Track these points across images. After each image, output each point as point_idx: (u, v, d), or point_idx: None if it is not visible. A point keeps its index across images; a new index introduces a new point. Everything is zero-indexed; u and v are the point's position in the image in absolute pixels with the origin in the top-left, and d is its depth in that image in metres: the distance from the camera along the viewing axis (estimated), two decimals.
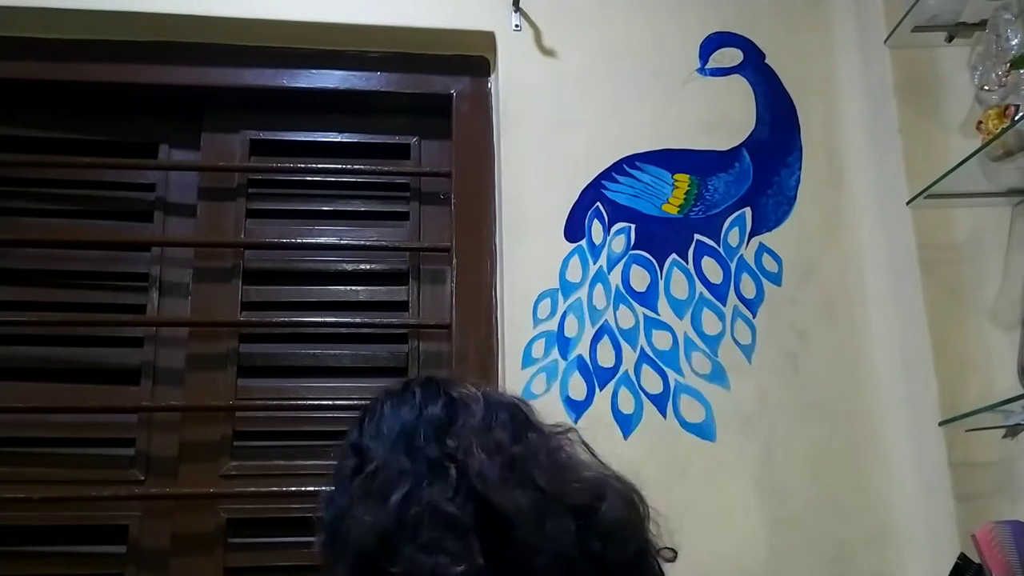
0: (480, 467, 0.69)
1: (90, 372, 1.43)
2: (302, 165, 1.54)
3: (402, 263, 1.53)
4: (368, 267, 1.52)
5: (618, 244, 1.47)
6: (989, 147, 1.30)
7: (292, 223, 1.54)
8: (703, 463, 1.37)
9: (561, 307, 1.42)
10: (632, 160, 1.51)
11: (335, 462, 0.81)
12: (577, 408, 1.38)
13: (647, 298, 1.45)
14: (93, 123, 1.53)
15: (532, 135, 1.50)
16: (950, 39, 1.46)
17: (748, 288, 1.47)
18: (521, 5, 1.53)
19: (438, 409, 0.75)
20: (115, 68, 1.50)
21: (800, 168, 1.54)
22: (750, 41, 1.59)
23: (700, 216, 1.50)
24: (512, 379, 1.37)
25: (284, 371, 1.46)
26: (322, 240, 1.52)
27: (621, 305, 1.44)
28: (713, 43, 1.58)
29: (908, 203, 1.40)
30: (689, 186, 1.51)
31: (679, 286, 1.46)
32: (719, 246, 1.49)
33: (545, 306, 1.42)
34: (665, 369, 1.41)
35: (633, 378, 1.40)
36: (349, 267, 1.52)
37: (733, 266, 1.48)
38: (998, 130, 1.29)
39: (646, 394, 1.40)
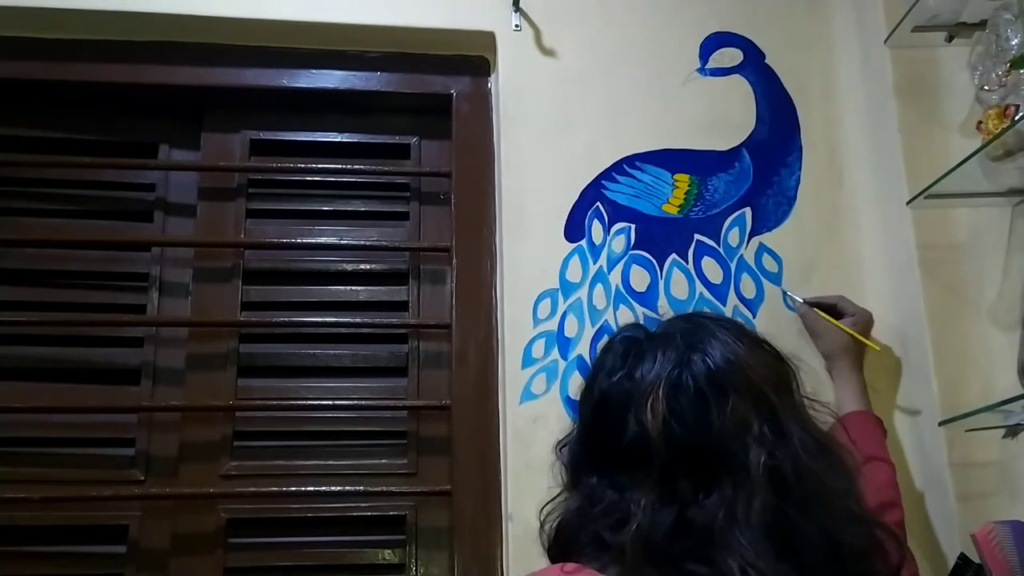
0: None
1: (90, 372, 1.43)
2: (302, 165, 1.54)
3: (402, 263, 1.53)
4: (368, 267, 1.53)
5: (618, 244, 1.47)
6: (989, 147, 1.30)
7: (292, 223, 1.54)
8: None
9: (561, 307, 1.42)
10: (632, 160, 1.51)
11: (616, 342, 0.85)
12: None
13: (647, 298, 1.45)
14: (93, 123, 1.53)
15: (532, 135, 1.50)
16: (950, 39, 1.46)
17: (748, 288, 1.47)
18: (521, 5, 1.53)
19: None
20: (115, 68, 1.50)
21: (800, 168, 1.54)
22: (750, 41, 1.59)
23: (700, 216, 1.50)
24: (512, 379, 1.37)
25: (284, 371, 1.46)
26: (322, 240, 1.52)
27: (621, 305, 1.44)
28: (713, 43, 1.58)
29: (908, 203, 1.40)
30: (689, 186, 1.51)
31: (679, 286, 1.46)
32: (719, 246, 1.49)
33: (545, 306, 1.42)
34: None
35: None
36: (349, 267, 1.52)
37: (733, 266, 1.48)
38: (998, 130, 1.29)
39: None
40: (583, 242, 1.46)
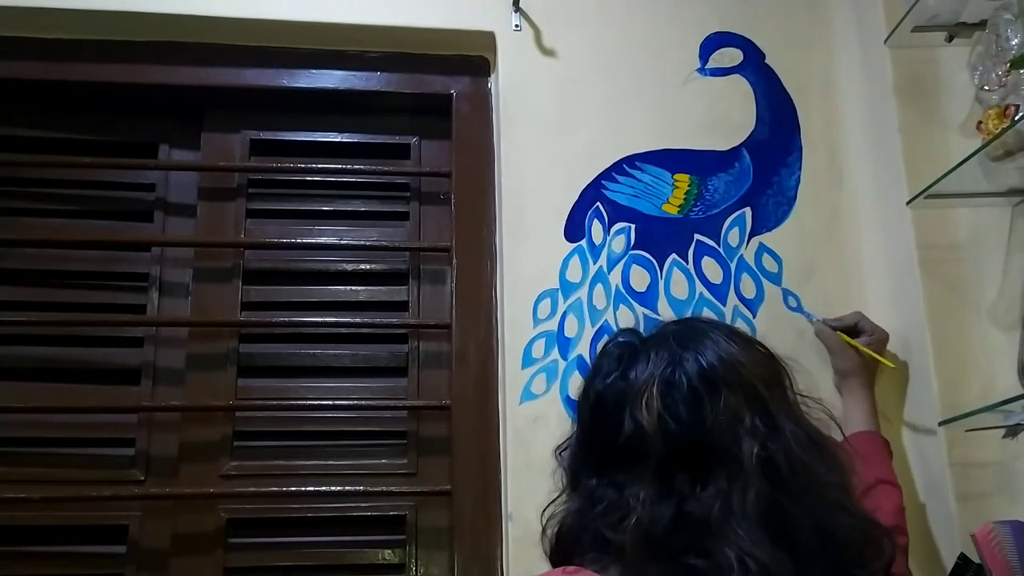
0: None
1: (90, 372, 1.43)
2: (302, 165, 1.54)
3: (402, 263, 1.53)
4: (368, 267, 1.53)
5: (618, 244, 1.47)
6: (989, 147, 1.30)
7: (292, 223, 1.54)
8: None
9: (561, 307, 1.42)
10: (632, 160, 1.51)
11: (611, 346, 0.88)
12: None
13: (647, 298, 1.45)
14: (93, 123, 1.53)
15: (532, 135, 1.50)
16: (950, 39, 1.46)
17: (748, 288, 1.47)
18: (521, 5, 1.53)
19: None
20: (115, 68, 1.50)
21: (800, 168, 1.54)
22: (750, 41, 1.59)
23: (700, 216, 1.50)
24: (512, 379, 1.37)
25: (284, 371, 1.46)
26: (322, 240, 1.52)
27: (621, 305, 1.44)
28: (713, 43, 1.58)
29: (908, 203, 1.40)
30: (689, 186, 1.51)
31: (679, 286, 1.46)
32: (719, 246, 1.49)
33: (545, 306, 1.42)
34: None
35: None
36: (349, 267, 1.52)
37: (733, 266, 1.48)
38: (998, 130, 1.29)
39: None
40: (583, 242, 1.46)
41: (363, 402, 1.45)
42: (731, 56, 1.58)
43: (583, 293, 1.44)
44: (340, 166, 1.55)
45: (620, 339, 0.88)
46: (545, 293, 1.43)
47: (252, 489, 1.38)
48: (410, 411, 1.45)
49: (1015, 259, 1.37)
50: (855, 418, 1.32)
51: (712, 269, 1.47)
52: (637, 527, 0.74)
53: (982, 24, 1.41)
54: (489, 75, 1.57)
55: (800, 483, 0.75)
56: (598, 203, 1.48)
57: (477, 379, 1.41)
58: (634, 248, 1.47)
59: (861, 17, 1.57)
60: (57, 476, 1.36)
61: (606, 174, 1.50)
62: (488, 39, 1.54)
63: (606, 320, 1.43)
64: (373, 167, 1.56)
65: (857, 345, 1.36)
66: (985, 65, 1.38)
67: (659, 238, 1.48)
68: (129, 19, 1.47)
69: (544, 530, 0.85)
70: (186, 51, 1.51)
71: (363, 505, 1.39)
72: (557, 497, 0.87)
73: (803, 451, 0.77)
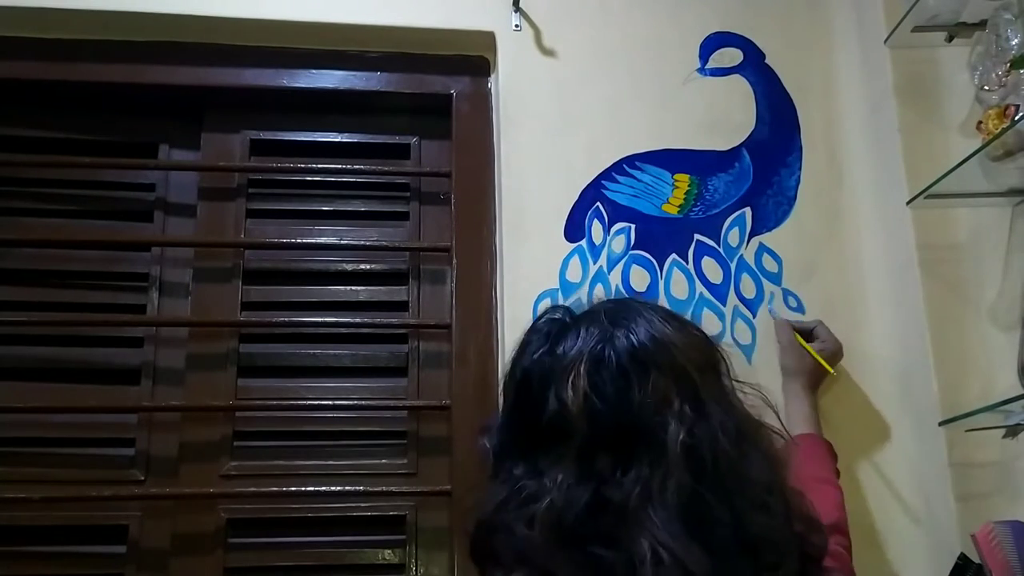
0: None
1: (90, 372, 1.43)
2: (302, 165, 1.54)
3: (402, 263, 1.53)
4: (368, 267, 1.53)
5: (618, 244, 1.47)
6: (989, 147, 1.30)
7: (292, 223, 1.54)
8: None
9: None
10: (632, 160, 1.51)
11: (541, 322, 0.84)
12: None
13: (647, 298, 1.45)
14: (93, 123, 1.53)
15: (532, 135, 1.50)
16: (950, 39, 1.46)
17: (748, 288, 1.47)
18: (521, 5, 1.53)
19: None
20: (115, 68, 1.50)
21: (800, 168, 1.54)
22: (750, 41, 1.59)
23: (700, 216, 1.50)
24: None
25: (284, 371, 1.46)
26: (322, 240, 1.52)
27: None
28: (713, 43, 1.58)
29: (908, 203, 1.40)
30: (689, 186, 1.51)
31: (679, 286, 1.46)
32: (719, 246, 1.49)
33: (545, 306, 1.41)
34: None
35: None
36: (349, 267, 1.52)
37: (733, 266, 1.48)
38: (998, 130, 1.29)
39: None
40: (583, 242, 1.46)
41: (363, 402, 1.45)
42: (731, 56, 1.58)
43: (583, 293, 1.43)
44: (340, 166, 1.55)
45: (550, 315, 0.84)
46: (545, 293, 1.42)
47: (252, 489, 1.38)
48: (410, 411, 1.45)
49: (1015, 259, 1.37)
50: (796, 421, 1.30)
51: (712, 269, 1.47)
52: (549, 510, 0.70)
53: (982, 24, 1.41)
54: (489, 75, 1.57)
55: (722, 476, 0.71)
56: (598, 203, 1.48)
57: (477, 379, 1.41)
58: (634, 248, 1.47)
59: (861, 17, 1.57)
60: (57, 476, 1.36)
61: (606, 174, 1.50)
62: (488, 39, 1.54)
63: None
64: (373, 167, 1.56)
65: (808, 347, 1.36)
66: (985, 65, 1.38)
67: (659, 238, 1.48)
68: (129, 19, 1.47)
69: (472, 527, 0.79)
70: (186, 51, 1.51)
71: (363, 505, 1.39)
72: (479, 487, 0.81)
73: (729, 442, 0.72)
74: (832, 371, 1.36)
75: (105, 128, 1.54)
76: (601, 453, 0.72)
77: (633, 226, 1.48)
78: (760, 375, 1.42)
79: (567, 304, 0.85)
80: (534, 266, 1.44)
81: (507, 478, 0.76)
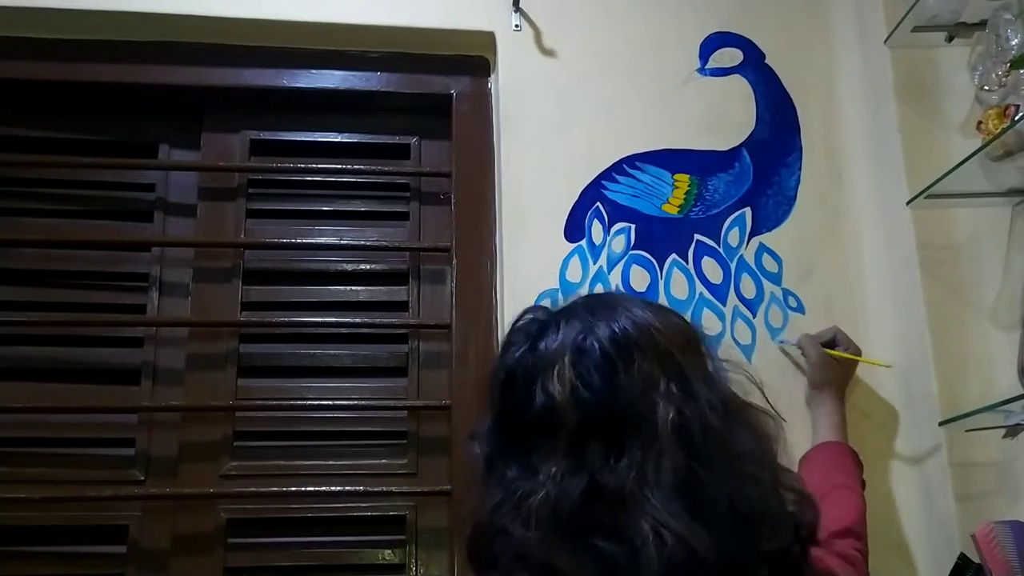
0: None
1: (90, 372, 1.43)
2: (302, 165, 1.54)
3: (402, 263, 1.53)
4: (368, 267, 1.52)
5: (618, 244, 1.47)
6: (989, 147, 1.30)
7: (292, 223, 1.54)
8: None
9: None
10: (632, 160, 1.51)
11: (521, 323, 0.84)
12: None
13: (647, 298, 1.44)
14: (93, 123, 1.53)
15: (532, 135, 1.50)
16: (950, 39, 1.46)
17: (748, 288, 1.47)
18: (521, 5, 1.53)
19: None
20: (115, 68, 1.50)
21: (800, 168, 1.54)
22: (750, 41, 1.59)
23: (700, 216, 1.50)
24: None
25: (284, 371, 1.46)
26: (322, 240, 1.52)
27: None
28: (713, 43, 1.58)
29: (908, 203, 1.40)
30: (689, 186, 1.51)
31: (679, 286, 1.46)
32: (719, 246, 1.49)
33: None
34: None
35: None
36: (349, 267, 1.52)
37: (733, 266, 1.48)
38: (998, 130, 1.29)
39: None
40: (583, 242, 1.46)
41: (363, 402, 1.45)
42: (731, 56, 1.58)
43: (583, 293, 1.43)
44: (340, 166, 1.55)
45: (529, 314, 0.84)
46: (545, 293, 1.42)
47: (252, 489, 1.38)
48: (410, 411, 1.45)
49: (1015, 259, 1.37)
50: (824, 429, 1.31)
51: (712, 269, 1.47)
52: (544, 504, 0.69)
53: (982, 24, 1.41)
54: (489, 75, 1.57)
55: (712, 451, 0.71)
56: (598, 203, 1.48)
57: (477, 379, 1.41)
58: (634, 248, 1.47)
59: (861, 17, 1.57)
60: (57, 476, 1.36)
61: (606, 174, 1.50)
62: (488, 39, 1.54)
63: None
64: (373, 167, 1.56)
65: (844, 355, 1.36)
66: (985, 65, 1.38)
67: (659, 238, 1.48)
68: (129, 19, 1.47)
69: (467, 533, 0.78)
70: (186, 51, 1.51)
71: (363, 505, 1.39)
72: (473, 493, 0.80)
73: (718, 418, 0.73)
74: (889, 364, 1.38)
75: (105, 128, 1.54)
76: (592, 442, 0.71)
77: (633, 226, 1.48)
78: (760, 375, 1.42)
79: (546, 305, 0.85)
80: (534, 266, 1.44)
81: (500, 481, 0.75)
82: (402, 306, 1.51)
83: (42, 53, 1.48)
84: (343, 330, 1.48)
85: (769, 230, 1.50)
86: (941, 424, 1.30)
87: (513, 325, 0.84)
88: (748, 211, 1.51)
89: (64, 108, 1.53)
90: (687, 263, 1.47)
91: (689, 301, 1.45)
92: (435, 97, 1.56)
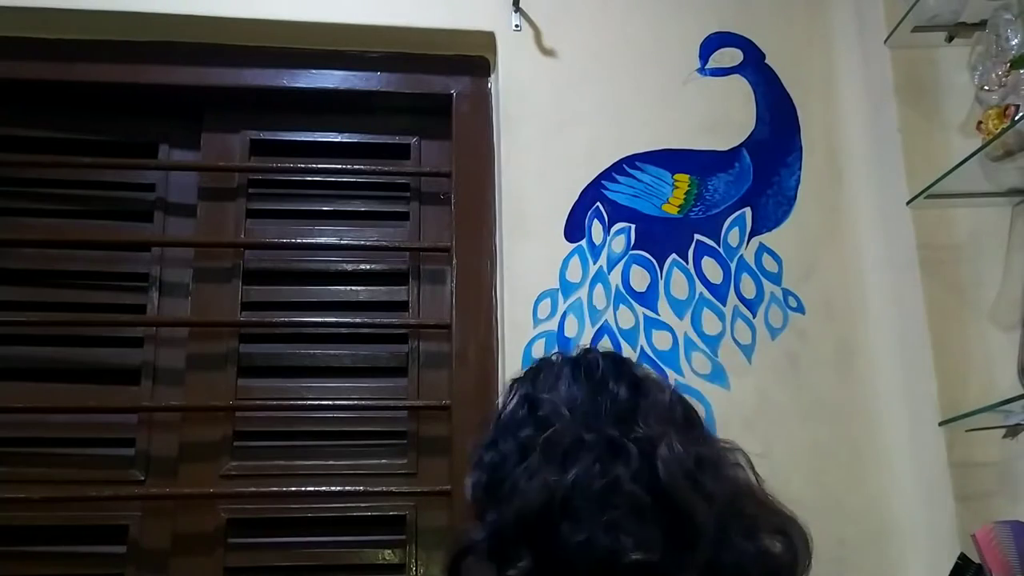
0: (670, 458, 0.66)
1: (90, 372, 1.43)
2: (302, 165, 1.54)
3: (402, 263, 1.53)
4: (368, 267, 1.52)
5: (618, 244, 1.47)
6: (989, 147, 1.30)
7: (292, 223, 1.54)
8: None
9: (561, 307, 1.42)
10: (632, 160, 1.51)
11: (500, 406, 0.76)
12: None
13: (647, 298, 1.45)
14: (93, 123, 1.53)
15: (532, 135, 1.50)
16: (950, 39, 1.46)
17: (748, 288, 1.47)
18: (521, 5, 1.53)
19: (624, 389, 0.71)
20: (115, 68, 1.50)
21: (800, 168, 1.54)
22: (750, 41, 1.59)
23: (700, 216, 1.50)
24: None
25: (284, 371, 1.46)
26: (322, 240, 1.52)
27: (621, 305, 1.44)
28: (713, 43, 1.58)
29: (908, 203, 1.40)
30: (689, 186, 1.51)
31: (679, 286, 1.46)
32: (719, 246, 1.49)
33: (545, 306, 1.42)
34: (665, 369, 1.41)
35: None
36: (349, 267, 1.52)
37: (733, 266, 1.48)
38: (998, 130, 1.29)
39: None
40: (583, 242, 1.46)
41: (363, 402, 1.45)
42: (731, 56, 1.58)
43: (583, 293, 1.44)
44: (340, 166, 1.55)
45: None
46: (545, 293, 1.43)
47: (252, 489, 1.38)
48: (410, 411, 1.45)
49: (1015, 259, 1.37)
50: None
51: (712, 269, 1.47)
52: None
53: (982, 24, 1.41)
54: (489, 75, 1.57)
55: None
56: (598, 203, 1.48)
57: (477, 379, 1.41)
58: (634, 248, 1.47)
59: (861, 17, 1.57)
60: (57, 476, 1.36)
61: (606, 174, 1.50)
62: (488, 39, 1.54)
63: (606, 320, 1.43)
64: (373, 167, 1.56)
65: None
66: (985, 65, 1.38)
67: (659, 238, 1.48)
68: (129, 19, 1.47)
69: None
70: (186, 51, 1.51)
71: (363, 505, 1.39)
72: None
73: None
74: None
75: (105, 128, 1.54)
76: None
77: (633, 226, 1.48)
78: (760, 375, 1.43)
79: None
80: (534, 266, 1.44)
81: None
82: (402, 306, 1.51)
83: (42, 53, 1.48)
84: (343, 330, 1.48)
85: (769, 230, 1.50)
86: (941, 424, 1.30)
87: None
88: (748, 211, 1.51)
89: (64, 108, 1.53)
90: (687, 263, 1.47)
91: (689, 301, 1.45)
92: (435, 97, 1.56)
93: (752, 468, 0.73)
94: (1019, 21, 1.33)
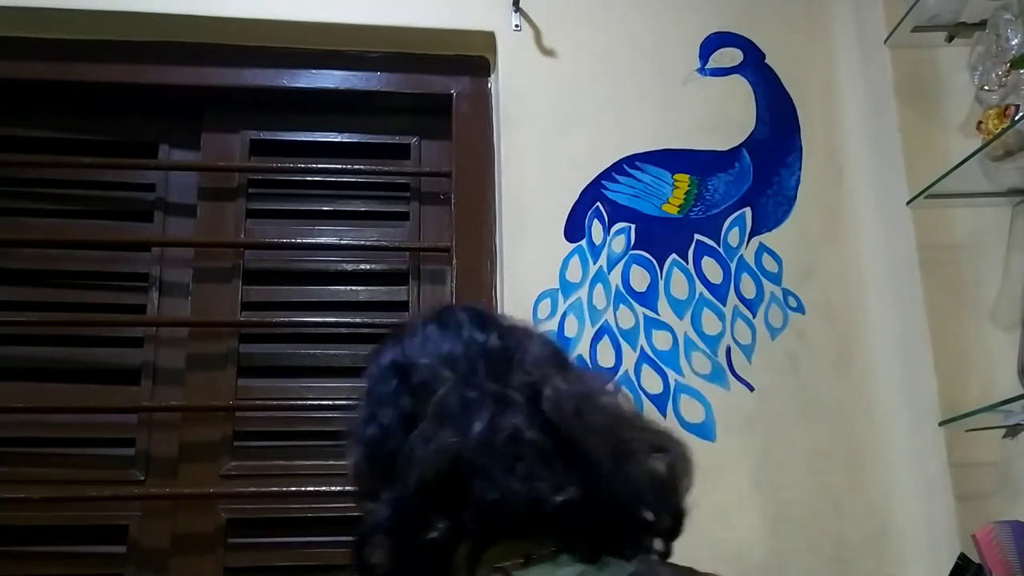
0: (556, 399, 0.67)
1: (90, 372, 1.43)
2: (302, 165, 1.54)
3: (402, 263, 1.53)
4: (368, 267, 1.52)
5: (618, 244, 1.47)
6: (989, 147, 1.30)
7: (292, 223, 1.54)
8: (703, 463, 1.35)
9: (561, 307, 1.42)
10: (632, 160, 1.51)
11: (366, 380, 0.79)
12: None
13: (647, 298, 1.45)
14: (93, 123, 1.53)
15: (532, 135, 1.50)
16: (950, 39, 1.46)
17: (748, 288, 1.47)
18: (521, 5, 1.53)
19: (494, 339, 0.72)
20: (115, 68, 1.50)
21: (800, 168, 1.54)
22: (750, 41, 1.59)
23: (700, 216, 1.50)
24: None
25: (284, 371, 1.46)
26: (322, 240, 1.52)
27: (621, 305, 1.44)
28: (713, 43, 1.58)
29: (908, 203, 1.40)
30: (689, 186, 1.51)
31: (679, 286, 1.46)
32: (719, 246, 1.49)
33: (545, 306, 1.42)
34: (665, 369, 1.41)
35: (633, 378, 1.40)
36: (349, 267, 1.52)
37: (733, 266, 1.48)
38: (998, 130, 1.29)
39: (646, 394, 1.40)
40: (583, 242, 1.46)
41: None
42: (731, 56, 1.58)
43: (583, 293, 1.44)
44: (340, 166, 1.55)
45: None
46: (545, 293, 1.43)
47: (252, 489, 1.38)
48: None
49: (1015, 259, 1.37)
50: None
51: (712, 269, 1.47)
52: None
53: (982, 24, 1.41)
54: (489, 75, 1.57)
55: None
56: (598, 203, 1.48)
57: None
58: (634, 248, 1.47)
59: (861, 17, 1.57)
60: (57, 476, 1.36)
61: (606, 174, 1.50)
62: (488, 39, 1.54)
63: (606, 320, 1.43)
64: (373, 167, 1.56)
65: None
66: (985, 65, 1.38)
67: (659, 238, 1.48)
68: (129, 19, 1.47)
69: None
70: (186, 51, 1.51)
71: None
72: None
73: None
74: None
75: (105, 128, 1.54)
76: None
77: (633, 226, 1.48)
78: (760, 375, 1.43)
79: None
80: (534, 266, 1.44)
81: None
82: (402, 306, 1.50)
83: (42, 53, 1.48)
84: (343, 330, 1.48)
85: (769, 230, 1.50)
86: (941, 424, 1.30)
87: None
88: (748, 211, 1.51)
89: (64, 108, 1.53)
90: (687, 263, 1.47)
91: (689, 301, 1.45)
92: (435, 97, 1.56)
93: (621, 391, 0.74)
94: (1019, 21, 1.33)
